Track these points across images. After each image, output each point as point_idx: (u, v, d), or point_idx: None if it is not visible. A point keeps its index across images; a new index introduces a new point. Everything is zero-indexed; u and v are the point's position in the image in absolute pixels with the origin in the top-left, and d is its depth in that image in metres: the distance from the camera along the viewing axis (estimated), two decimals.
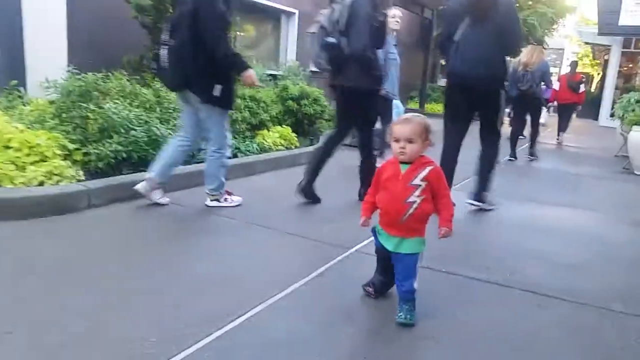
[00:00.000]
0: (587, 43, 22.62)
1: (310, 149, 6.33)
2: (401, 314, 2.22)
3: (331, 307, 2.33)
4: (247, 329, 2.07)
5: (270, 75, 8.56)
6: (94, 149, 3.92)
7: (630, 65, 18.57)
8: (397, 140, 2.20)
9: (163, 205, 3.70)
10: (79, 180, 3.64)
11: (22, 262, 2.57)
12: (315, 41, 3.74)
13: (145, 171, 3.82)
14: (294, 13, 10.30)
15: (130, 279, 2.47)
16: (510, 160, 7.60)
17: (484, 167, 4.22)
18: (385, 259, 2.36)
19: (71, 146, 3.92)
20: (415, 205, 2.18)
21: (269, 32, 10.27)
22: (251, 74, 3.58)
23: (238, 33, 6.43)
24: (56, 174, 3.58)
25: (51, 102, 4.99)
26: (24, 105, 5.08)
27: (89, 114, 4.08)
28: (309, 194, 4.08)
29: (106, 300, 2.22)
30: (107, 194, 3.60)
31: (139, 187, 3.60)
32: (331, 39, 3.63)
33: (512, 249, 3.38)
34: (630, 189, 6.19)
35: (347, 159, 4.79)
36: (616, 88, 17.66)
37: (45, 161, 3.69)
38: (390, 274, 2.36)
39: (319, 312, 2.29)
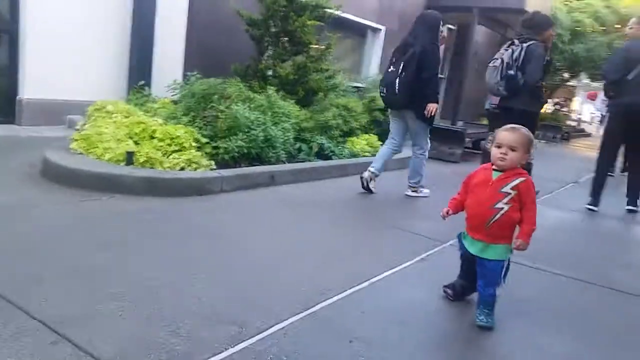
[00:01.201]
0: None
1: (395, 157, 6.82)
2: (482, 317, 2.30)
3: (433, 283, 2.78)
4: (365, 294, 2.59)
5: (355, 87, 9.16)
6: (223, 143, 4.61)
7: None
8: (499, 146, 2.26)
9: (372, 192, 4.89)
10: (211, 169, 4.33)
11: (186, 228, 3.24)
12: (496, 72, 4.78)
13: (259, 165, 4.65)
14: (381, 29, 10.85)
15: (277, 244, 3.07)
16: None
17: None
18: (469, 262, 2.43)
19: (203, 140, 4.64)
20: (502, 212, 2.23)
21: (356, 46, 10.87)
22: (435, 106, 4.73)
23: (324, 46, 7.01)
24: (194, 162, 4.29)
25: (174, 102, 5.80)
26: (151, 102, 5.92)
27: (219, 114, 4.78)
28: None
29: (262, 259, 2.83)
30: (236, 182, 4.27)
31: (365, 175, 4.91)
32: (511, 72, 4.65)
33: (596, 254, 3.71)
34: None
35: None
36: None
37: (182, 151, 4.42)
38: (472, 279, 2.44)
39: (422, 288, 2.76)
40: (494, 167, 2.31)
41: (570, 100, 19.50)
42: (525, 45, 4.64)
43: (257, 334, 2.03)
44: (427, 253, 3.29)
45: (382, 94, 4.97)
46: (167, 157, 4.26)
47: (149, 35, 6.51)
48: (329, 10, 6.97)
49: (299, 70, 6.73)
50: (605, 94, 5.69)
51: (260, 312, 2.20)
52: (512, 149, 2.23)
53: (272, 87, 5.88)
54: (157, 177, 3.89)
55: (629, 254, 3.96)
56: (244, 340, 1.97)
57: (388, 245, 3.47)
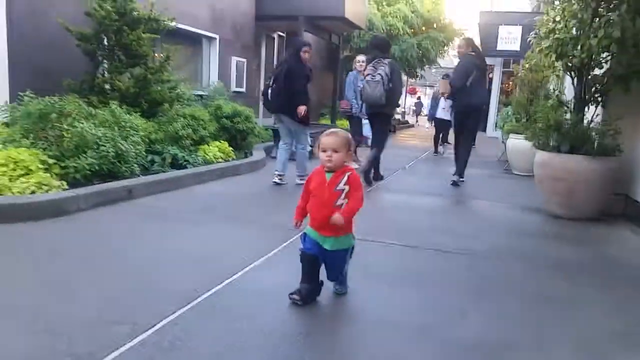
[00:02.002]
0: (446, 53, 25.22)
1: (246, 161, 7.20)
2: (337, 287, 2.72)
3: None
4: (241, 281, 2.91)
5: (198, 95, 9.31)
6: (72, 162, 4.52)
7: (510, 83, 21.23)
8: (324, 150, 2.49)
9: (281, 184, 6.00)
10: (64, 189, 4.24)
11: (50, 250, 3.21)
12: (379, 86, 6.07)
13: (114, 181, 4.67)
14: (215, 38, 11.09)
15: (148, 252, 3.20)
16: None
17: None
18: (309, 264, 2.59)
19: (50, 161, 4.49)
20: (342, 208, 2.49)
21: (194, 55, 10.96)
22: (303, 108, 5.82)
23: (164, 57, 7.10)
24: (44, 184, 4.16)
25: (6, 125, 5.43)
26: None
27: (64, 133, 4.65)
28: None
29: (137, 267, 2.96)
30: (93, 199, 4.24)
31: (277, 180, 6.00)
32: (391, 85, 6.15)
33: (428, 228, 4.47)
34: (509, 184, 7.65)
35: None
36: (499, 103, 20.10)
37: (29, 174, 4.25)
38: (316, 281, 2.63)
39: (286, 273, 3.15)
40: (325, 169, 2.54)
41: None
42: (387, 62, 6.17)
43: (150, 328, 2.23)
44: (291, 240, 3.69)
45: (262, 102, 6.44)
46: (14, 182, 4.07)
47: None
48: (163, 23, 7.04)
49: (139, 82, 6.71)
50: (450, 96, 7.35)
51: (147, 311, 2.39)
52: (335, 151, 2.47)
53: (114, 102, 5.82)
54: (8, 204, 3.72)
55: (448, 223, 4.82)
56: (140, 335, 2.16)
57: (252, 237, 3.80)
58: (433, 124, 12.90)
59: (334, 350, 2.16)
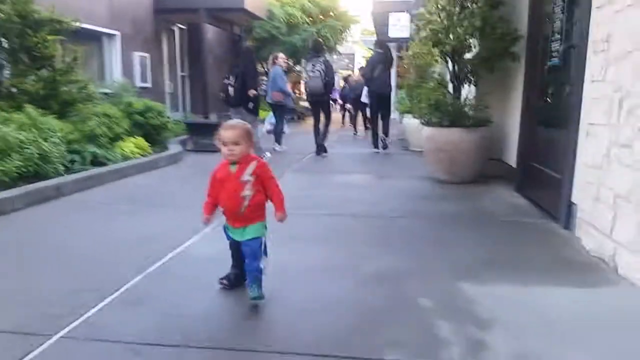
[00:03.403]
0: (370, 49, 26.61)
1: (164, 154, 7.51)
2: (252, 292, 2.54)
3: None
4: (185, 253, 3.40)
5: (104, 93, 9.35)
6: (0, 166, 4.68)
7: (404, 67, 22.67)
8: (225, 144, 2.49)
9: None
10: None
11: None
12: (320, 79, 8.28)
13: (42, 181, 4.88)
14: (116, 34, 11.05)
15: (90, 240, 3.58)
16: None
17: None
18: (236, 250, 2.69)
19: None
20: (249, 198, 2.51)
21: (96, 53, 10.85)
22: (252, 91, 7.76)
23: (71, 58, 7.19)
24: None
25: None
26: None
27: None
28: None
29: (84, 253, 3.35)
30: (26, 199, 4.47)
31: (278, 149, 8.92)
32: (328, 79, 8.41)
33: (340, 199, 5.16)
34: (406, 159, 8.59)
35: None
36: (396, 86, 21.48)
37: None
38: (243, 266, 2.68)
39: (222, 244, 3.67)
40: (228, 161, 2.55)
41: (299, 83, 22.51)
42: (322, 60, 8.42)
43: (116, 291, 2.69)
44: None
45: (223, 94, 7.98)
46: None
47: None
48: (66, 23, 7.09)
49: (48, 84, 6.77)
50: (366, 84, 9.61)
51: (108, 280, 2.83)
52: (236, 144, 2.48)
53: (28, 105, 5.91)
54: None
55: (363, 195, 5.54)
56: (108, 297, 2.61)
57: (185, 219, 4.27)
58: (348, 108, 14.41)
59: (269, 292, 2.73)
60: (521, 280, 2.88)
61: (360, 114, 13.89)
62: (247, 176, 2.52)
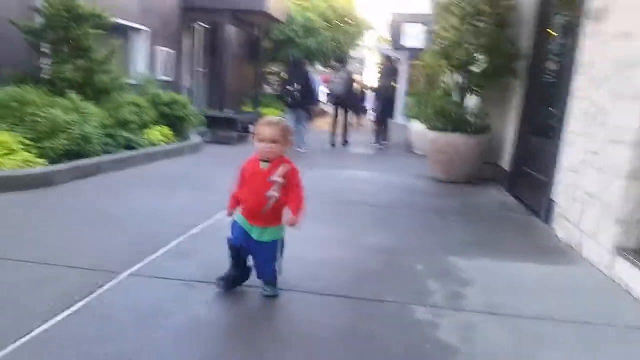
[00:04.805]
0: (384, 57, 27.17)
1: (186, 143, 8.12)
2: (267, 289, 2.61)
3: None
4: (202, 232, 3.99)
5: (130, 84, 9.97)
6: (48, 143, 5.28)
7: (415, 75, 23.23)
8: (262, 140, 2.44)
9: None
10: (46, 166, 5.03)
11: (50, 212, 4.09)
12: (342, 85, 10.42)
13: (84, 159, 5.54)
14: (145, 30, 11.69)
15: (129, 207, 4.18)
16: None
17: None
18: (237, 252, 2.60)
19: (28, 142, 5.22)
20: (274, 199, 2.46)
21: (123, 46, 11.47)
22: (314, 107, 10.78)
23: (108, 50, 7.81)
24: (29, 161, 4.94)
25: None
26: None
27: (38, 118, 5.39)
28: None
29: (132, 214, 3.94)
30: (72, 173, 5.09)
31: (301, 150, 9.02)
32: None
33: (347, 190, 5.74)
34: (409, 160, 9.17)
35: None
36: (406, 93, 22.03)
37: (12, 153, 4.99)
38: (242, 269, 2.65)
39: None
40: (260, 158, 2.49)
41: None
42: (345, 70, 10.83)
43: (166, 245, 3.27)
44: None
45: (290, 98, 9.16)
46: (4, 159, 4.81)
47: None
48: (105, 18, 7.71)
49: (85, 73, 7.38)
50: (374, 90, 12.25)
51: (157, 238, 3.41)
52: (274, 141, 2.44)
53: (71, 91, 6.52)
54: (8, 176, 4.51)
55: (358, 187, 6.12)
56: (160, 250, 3.19)
57: (216, 198, 4.86)
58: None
59: (289, 251, 3.31)
60: (498, 257, 3.47)
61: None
62: (276, 177, 2.46)
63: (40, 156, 5.24)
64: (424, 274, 3.07)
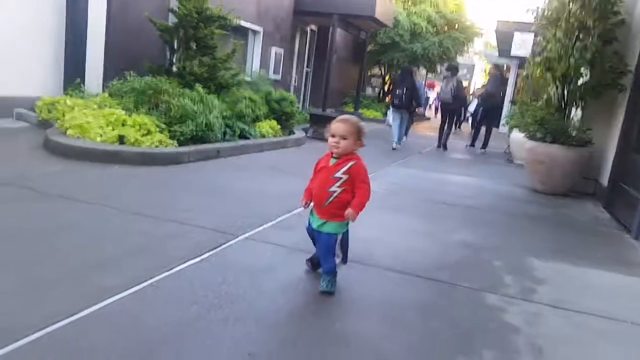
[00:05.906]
0: (493, 64, 26.59)
1: (291, 137, 8.80)
2: (323, 284, 2.62)
3: None
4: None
5: (246, 81, 10.87)
6: (178, 128, 6.13)
7: (520, 84, 22.50)
8: (333, 136, 2.52)
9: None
10: (176, 147, 5.85)
11: (184, 183, 4.83)
12: (450, 91, 11.35)
13: (206, 144, 6.27)
14: (260, 31, 12.64)
15: (245, 187, 4.80)
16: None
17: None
18: (313, 238, 2.77)
19: (163, 125, 6.10)
20: (335, 195, 2.54)
21: (242, 46, 12.50)
22: (420, 109, 12.87)
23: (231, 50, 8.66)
24: (163, 142, 5.78)
25: (111, 96, 7.05)
26: (82, 98, 7.06)
27: (171, 106, 6.26)
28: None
29: (243, 195, 4.56)
30: (196, 155, 5.87)
31: (395, 146, 9.95)
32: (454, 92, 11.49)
33: (440, 190, 6.03)
34: (508, 169, 9.15)
35: None
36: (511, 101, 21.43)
37: (149, 134, 5.87)
38: None
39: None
40: (332, 154, 2.60)
41: None
42: (455, 78, 11.51)
43: (273, 220, 3.81)
44: None
45: (396, 100, 10.31)
46: (144, 138, 5.69)
47: (82, 40, 7.59)
48: (230, 20, 8.58)
49: (210, 69, 8.28)
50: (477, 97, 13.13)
51: (265, 214, 3.96)
52: (344, 138, 2.51)
53: (199, 84, 7.41)
54: (147, 152, 5.37)
55: (452, 189, 6.34)
56: (268, 223, 3.74)
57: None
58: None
59: (376, 237, 3.71)
60: (577, 264, 3.62)
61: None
62: (340, 174, 2.54)
63: (171, 138, 6.11)
64: (501, 269, 3.33)
